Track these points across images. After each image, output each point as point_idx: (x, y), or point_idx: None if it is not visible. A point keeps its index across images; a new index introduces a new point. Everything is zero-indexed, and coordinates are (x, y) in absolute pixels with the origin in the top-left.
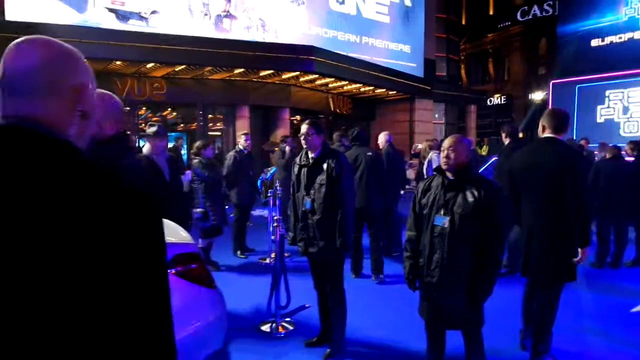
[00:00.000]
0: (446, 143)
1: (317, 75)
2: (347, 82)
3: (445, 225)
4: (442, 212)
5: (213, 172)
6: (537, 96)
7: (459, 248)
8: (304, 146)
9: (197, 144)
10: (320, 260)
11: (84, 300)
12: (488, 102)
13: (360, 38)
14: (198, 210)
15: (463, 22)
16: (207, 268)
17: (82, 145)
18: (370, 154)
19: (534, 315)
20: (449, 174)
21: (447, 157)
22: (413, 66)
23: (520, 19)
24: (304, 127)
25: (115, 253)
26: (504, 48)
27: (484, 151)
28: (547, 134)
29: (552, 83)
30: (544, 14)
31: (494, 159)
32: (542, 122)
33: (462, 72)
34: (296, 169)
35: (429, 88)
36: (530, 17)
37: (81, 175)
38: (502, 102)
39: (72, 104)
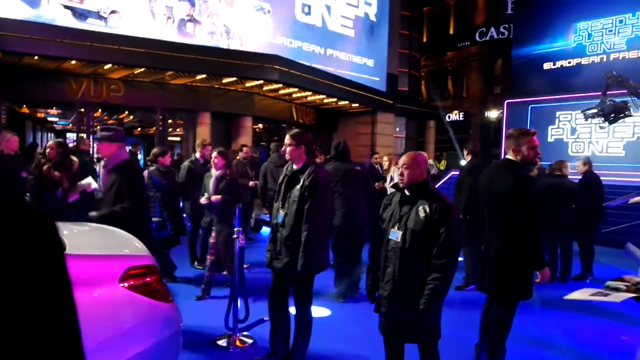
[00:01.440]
0: (402, 160)
1: (280, 85)
2: (310, 93)
3: (398, 240)
4: (396, 227)
5: (170, 180)
6: (492, 114)
7: (410, 262)
8: (287, 157)
9: (155, 150)
10: (282, 276)
11: None
12: (447, 118)
13: (325, 50)
14: (154, 219)
15: (424, 40)
16: (162, 281)
17: None
18: (358, 168)
19: (489, 330)
20: (405, 190)
21: (402, 174)
22: (376, 80)
23: (479, 40)
24: (286, 138)
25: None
26: (463, 66)
27: (442, 165)
28: (509, 155)
29: (507, 102)
30: (500, 36)
31: (452, 173)
32: (506, 142)
33: (422, 87)
34: (281, 177)
35: (391, 102)
36: (487, 38)
37: None
38: (460, 118)
39: None
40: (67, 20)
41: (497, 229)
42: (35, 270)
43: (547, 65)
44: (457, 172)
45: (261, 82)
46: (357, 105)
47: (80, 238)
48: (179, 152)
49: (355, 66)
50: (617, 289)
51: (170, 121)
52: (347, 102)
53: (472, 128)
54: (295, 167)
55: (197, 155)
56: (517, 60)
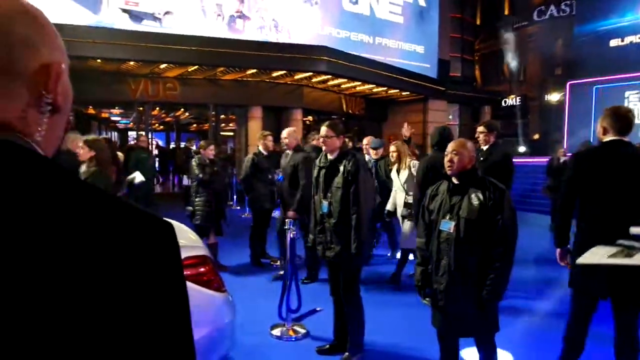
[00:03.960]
0: (449, 147)
1: (329, 76)
2: (359, 83)
3: (451, 231)
4: (447, 217)
5: (208, 173)
6: (553, 97)
7: (466, 253)
8: (323, 148)
9: (200, 143)
10: (336, 265)
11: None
12: (503, 103)
13: (374, 38)
14: (188, 208)
15: (478, 22)
16: (216, 272)
17: (51, 151)
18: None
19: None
20: (454, 179)
21: (450, 161)
22: (427, 67)
23: (537, 19)
24: (323, 129)
25: (139, 306)
26: (520, 48)
27: None
28: (611, 136)
29: (570, 84)
30: (561, 13)
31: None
32: (603, 123)
33: (477, 72)
34: (316, 171)
35: (443, 89)
36: (546, 17)
37: (72, 204)
38: (517, 103)
39: (37, 93)
40: (125, 24)
41: (622, 217)
42: (157, 292)
43: (613, 42)
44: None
45: (310, 74)
46: (407, 93)
47: None
48: (231, 146)
49: (405, 53)
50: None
51: (222, 116)
52: (396, 90)
53: (531, 112)
54: (331, 157)
55: (260, 147)
56: (581, 37)
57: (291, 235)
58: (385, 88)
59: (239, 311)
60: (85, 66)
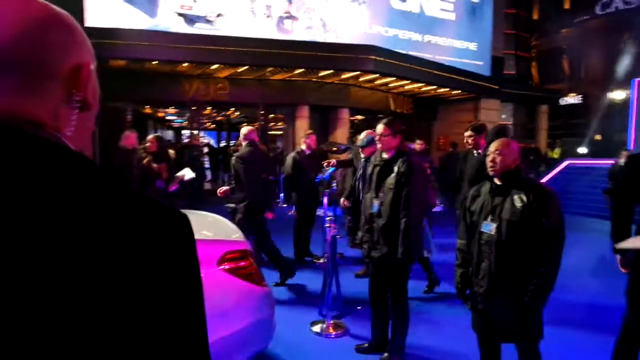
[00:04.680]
0: (492, 147)
1: (377, 75)
2: (407, 82)
3: (493, 232)
4: (489, 219)
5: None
6: (617, 95)
7: (508, 256)
8: (378, 146)
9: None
10: (382, 266)
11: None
12: (560, 102)
13: (423, 36)
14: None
15: (535, 17)
16: (257, 266)
17: (81, 145)
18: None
19: None
20: (496, 180)
21: (493, 161)
22: (479, 64)
23: (600, 13)
24: (379, 127)
25: (157, 295)
26: (581, 44)
27: (555, 154)
28: None
29: (637, 81)
30: (626, 6)
31: (567, 162)
32: None
33: (534, 70)
34: (370, 168)
35: (497, 87)
36: (611, 9)
37: (96, 194)
38: (578, 101)
39: (68, 92)
40: (180, 26)
41: None
42: (170, 281)
43: None
44: (575, 161)
45: (357, 73)
46: (458, 92)
47: None
48: (279, 144)
49: (456, 51)
50: None
51: (271, 115)
52: (446, 89)
53: (592, 112)
54: (386, 156)
55: (303, 146)
56: None
57: (331, 233)
58: (434, 87)
59: (280, 306)
60: (142, 68)
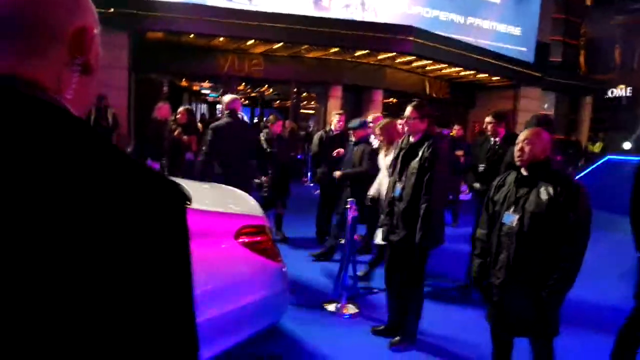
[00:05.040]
0: (522, 136)
1: (414, 57)
2: (446, 65)
3: (514, 224)
4: (511, 210)
5: (274, 147)
6: None
7: (528, 249)
8: (405, 130)
9: (269, 118)
10: (399, 250)
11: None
12: (610, 94)
13: (465, 18)
14: (255, 180)
15: (588, 2)
16: (273, 241)
17: (82, 108)
18: None
19: None
20: (522, 170)
21: (521, 150)
22: (522, 50)
23: None
24: (407, 110)
25: (136, 262)
26: (636, 32)
27: (597, 148)
28: None
29: None
30: None
31: (607, 157)
32: None
33: (581, 58)
34: (396, 151)
35: (539, 75)
36: None
37: (91, 158)
38: (627, 94)
39: (70, 55)
40: (218, 0)
41: None
42: (159, 257)
43: None
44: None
45: (394, 54)
46: (497, 78)
47: (204, 195)
48: (311, 123)
49: (499, 35)
50: None
51: (304, 94)
52: (486, 74)
53: None
54: (412, 139)
55: (332, 126)
56: None
57: (352, 215)
58: (473, 72)
59: (296, 283)
60: (179, 41)
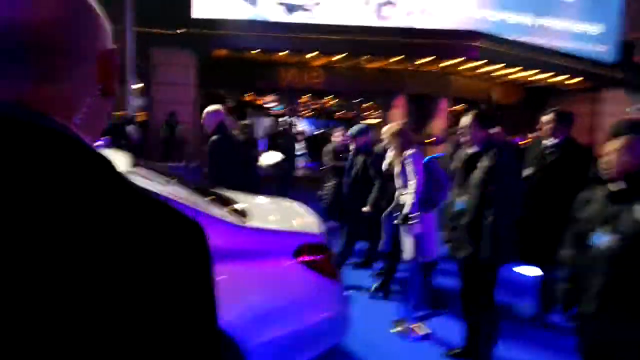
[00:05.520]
0: (612, 145)
1: (480, 62)
2: (515, 70)
3: (607, 245)
4: (603, 230)
5: (341, 159)
6: None
7: (625, 273)
8: (462, 140)
9: (353, 128)
10: (468, 267)
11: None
12: None
13: (536, 19)
14: (319, 192)
15: None
16: (332, 260)
17: (95, 136)
18: None
19: None
20: (615, 183)
21: (613, 160)
22: (602, 50)
23: None
24: (466, 119)
25: (159, 302)
26: None
27: None
28: None
29: None
30: None
31: None
32: None
33: None
34: (456, 163)
35: (621, 76)
36: None
37: (104, 194)
38: None
39: (92, 77)
40: (279, 16)
41: None
42: (178, 290)
43: None
44: None
45: (458, 60)
46: (573, 81)
47: (263, 211)
48: (373, 134)
49: (574, 35)
50: None
51: (366, 105)
52: (559, 78)
53: None
54: (472, 150)
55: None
56: None
57: (417, 231)
58: (545, 75)
59: (357, 302)
60: (242, 57)
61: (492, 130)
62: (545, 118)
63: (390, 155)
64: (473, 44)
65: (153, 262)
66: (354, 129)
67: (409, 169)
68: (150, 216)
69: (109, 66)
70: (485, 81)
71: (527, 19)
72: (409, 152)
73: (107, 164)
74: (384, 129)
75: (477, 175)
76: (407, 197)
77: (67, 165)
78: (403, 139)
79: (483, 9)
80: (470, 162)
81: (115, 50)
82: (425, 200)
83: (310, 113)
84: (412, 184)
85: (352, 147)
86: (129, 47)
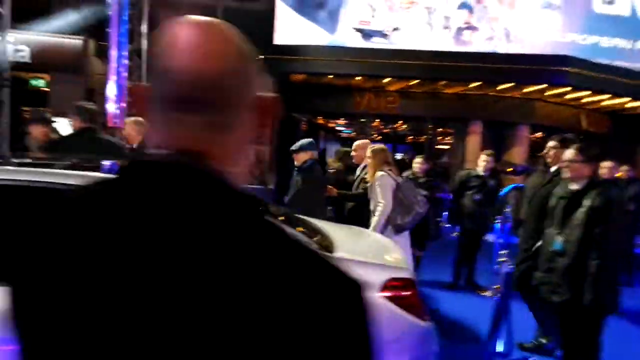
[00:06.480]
0: None
1: (568, 89)
2: (608, 96)
3: None
4: None
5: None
6: None
7: None
8: (565, 174)
9: (416, 159)
10: (565, 314)
11: None
12: None
13: (634, 43)
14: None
15: None
16: (420, 298)
17: (244, 180)
18: None
19: None
20: None
21: None
22: None
23: None
24: (569, 152)
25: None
26: None
27: None
28: None
29: None
30: None
31: None
32: None
33: None
34: (554, 199)
35: None
36: None
37: (268, 243)
38: None
39: (253, 126)
40: (356, 41)
41: None
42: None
43: None
44: None
45: (543, 86)
46: None
47: (350, 242)
48: (446, 160)
49: None
50: None
51: (439, 129)
52: None
53: None
54: (575, 186)
55: (481, 168)
56: None
57: (507, 268)
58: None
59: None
60: (318, 81)
61: (605, 165)
62: (549, 144)
63: (362, 173)
64: (560, 68)
65: (308, 314)
66: (338, 151)
67: (377, 190)
68: (310, 268)
69: (268, 114)
70: (571, 108)
71: (623, 42)
72: (380, 173)
73: (263, 211)
74: (355, 143)
75: (581, 214)
76: (373, 219)
77: (236, 214)
78: (380, 158)
79: (571, 33)
80: (574, 200)
81: (276, 98)
82: (393, 224)
83: (380, 137)
84: (379, 206)
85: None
86: None
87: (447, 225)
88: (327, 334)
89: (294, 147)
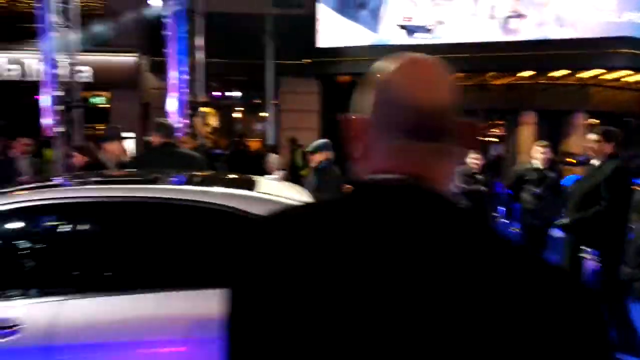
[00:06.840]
0: None
1: (627, 72)
2: None
3: None
4: None
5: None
6: None
7: None
8: None
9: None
10: None
11: None
12: None
13: None
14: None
15: None
16: None
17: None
18: None
19: None
20: None
21: None
22: None
23: None
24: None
25: None
26: None
27: None
28: None
29: None
30: None
31: None
32: None
33: None
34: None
35: None
36: None
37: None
38: None
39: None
40: (400, 38)
41: None
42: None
43: None
44: None
45: (601, 71)
46: None
47: None
48: (496, 153)
49: None
50: None
51: (489, 122)
52: None
53: None
54: None
55: (538, 160)
56: None
57: (592, 267)
58: None
59: None
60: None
61: None
62: (591, 136)
63: None
64: (618, 50)
65: (555, 324)
66: (316, 143)
67: None
68: (546, 275)
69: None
70: (632, 92)
71: None
72: None
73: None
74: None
75: None
76: None
77: (473, 229)
78: None
79: (629, 12)
80: None
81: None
82: None
83: None
84: None
85: (313, 164)
86: (267, 79)
87: (505, 221)
88: (574, 341)
89: (309, 149)
